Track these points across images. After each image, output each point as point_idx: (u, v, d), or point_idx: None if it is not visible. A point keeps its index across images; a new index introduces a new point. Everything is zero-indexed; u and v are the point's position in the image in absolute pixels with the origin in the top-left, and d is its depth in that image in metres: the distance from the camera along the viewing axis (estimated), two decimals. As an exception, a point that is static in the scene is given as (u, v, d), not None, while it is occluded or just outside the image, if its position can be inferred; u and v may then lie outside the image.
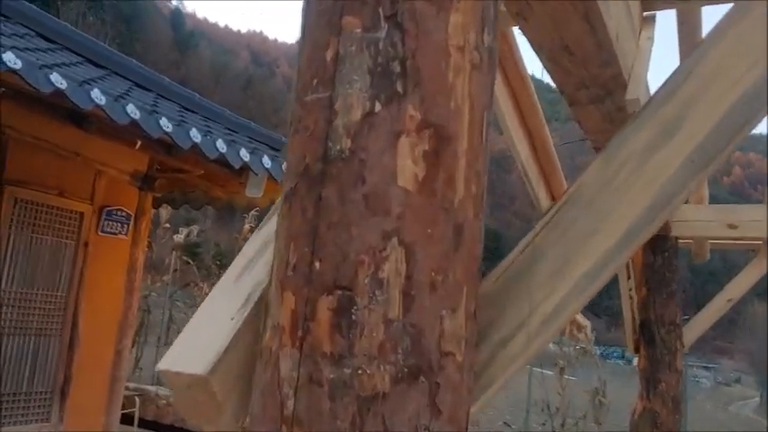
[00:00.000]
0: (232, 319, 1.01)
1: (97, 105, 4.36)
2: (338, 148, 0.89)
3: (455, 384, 0.90)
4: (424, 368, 0.87)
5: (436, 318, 0.89)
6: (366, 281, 0.86)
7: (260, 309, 1.01)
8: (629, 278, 5.10)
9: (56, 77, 4.15)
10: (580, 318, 8.55)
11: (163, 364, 0.96)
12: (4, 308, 5.46)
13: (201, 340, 0.99)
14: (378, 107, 0.89)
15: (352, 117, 0.89)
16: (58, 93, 4.16)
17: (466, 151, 0.93)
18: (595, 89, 2.56)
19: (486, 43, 1.00)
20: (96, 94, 4.39)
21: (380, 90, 0.89)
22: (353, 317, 0.85)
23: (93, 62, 6.17)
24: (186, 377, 0.96)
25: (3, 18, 5.86)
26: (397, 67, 0.90)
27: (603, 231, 1.03)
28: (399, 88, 0.90)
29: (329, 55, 0.93)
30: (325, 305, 0.86)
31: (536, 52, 2.47)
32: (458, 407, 0.91)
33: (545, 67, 2.57)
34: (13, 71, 3.90)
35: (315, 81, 0.94)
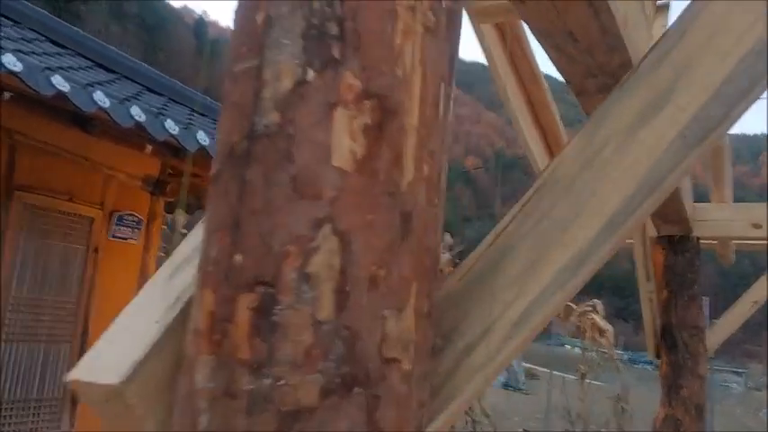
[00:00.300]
0: (157, 322, 0.89)
1: (100, 108, 4.29)
2: (265, 123, 0.77)
3: (400, 397, 0.77)
4: (361, 378, 0.74)
5: (376, 319, 0.76)
6: (292, 276, 0.74)
7: (189, 311, 0.89)
8: (648, 280, 4.91)
9: (58, 80, 4.09)
10: (602, 322, 8.33)
11: (74, 374, 0.84)
12: (15, 314, 5.42)
13: (120, 347, 0.88)
14: (311, 75, 0.77)
15: (281, 87, 0.77)
16: (60, 95, 4.10)
17: (416, 127, 0.81)
18: (603, 78, 2.41)
19: (445, 4, 0.87)
20: (99, 96, 4.33)
21: (314, 56, 0.77)
22: (275, 317, 0.73)
23: (103, 66, 6.13)
24: (98, 388, 0.84)
25: (12, 23, 5.85)
26: (333, 29, 0.78)
27: (582, 220, 0.89)
28: (336, 53, 0.77)
29: (259, 18, 0.81)
30: (244, 304, 0.74)
31: (538, 39, 2.33)
32: (404, 423, 0.78)
33: (549, 56, 2.43)
34: (13, 73, 3.84)
35: (244, 49, 0.82)
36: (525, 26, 3.27)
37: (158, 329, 0.89)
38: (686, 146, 0.85)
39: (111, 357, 0.87)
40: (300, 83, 0.77)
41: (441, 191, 0.87)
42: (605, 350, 8.46)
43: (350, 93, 0.77)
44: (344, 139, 0.76)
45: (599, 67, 2.42)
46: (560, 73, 2.56)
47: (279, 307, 0.73)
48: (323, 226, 0.74)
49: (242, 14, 0.85)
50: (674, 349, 4.69)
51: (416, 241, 0.80)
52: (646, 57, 0.92)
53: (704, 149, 0.87)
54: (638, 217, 0.89)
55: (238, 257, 0.76)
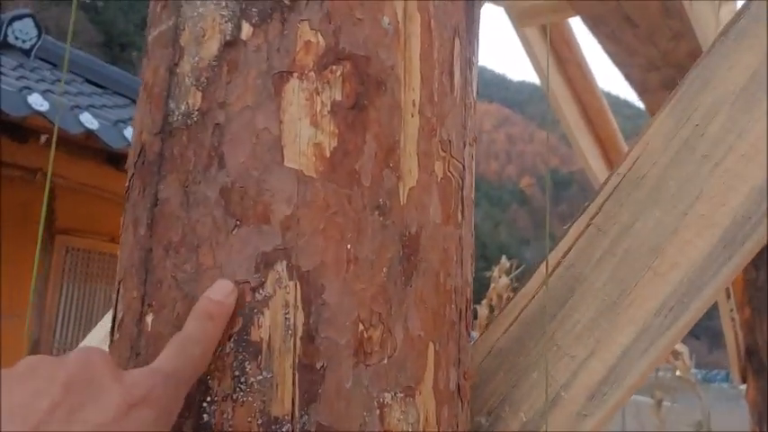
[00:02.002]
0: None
1: (130, 144, 4.14)
2: (183, 109, 0.50)
3: None
4: (347, 508, 0.46)
5: (370, 408, 0.47)
6: (228, 347, 0.46)
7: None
8: (729, 297, 4.47)
9: (86, 117, 3.96)
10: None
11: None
12: (60, 361, 5.29)
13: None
14: (246, 31, 0.50)
15: (204, 54, 0.50)
16: (89, 133, 3.96)
17: (419, 104, 0.52)
18: (668, 70, 2.09)
19: (458, -70, 0.59)
20: (131, 132, 4.17)
21: (251, 2, 0.50)
22: (205, 416, 0.45)
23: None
24: None
25: (51, 66, 5.83)
26: (279, -39, 0.50)
27: (685, 234, 0.59)
28: (285, -4, 0.50)
29: (177, -41, 0.54)
30: (157, 396, 0.47)
31: (591, 30, 2.03)
32: None
33: (604, 49, 2.13)
34: (40, 113, 3.71)
35: (159, 7, 0.55)
36: (574, 29, 2.97)
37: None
38: None
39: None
40: (231, 45, 0.49)
41: (467, 201, 0.58)
42: (681, 373, 7.88)
43: (309, 55, 0.49)
44: (303, 127, 0.48)
45: (663, 57, 2.10)
46: (618, 68, 2.25)
47: (209, 399, 0.45)
48: (274, 264, 0.46)
49: (161, -38, 0.58)
50: (762, 373, 4.23)
51: (430, 281, 0.52)
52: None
53: None
54: (771, 224, 0.58)
55: (149, 320, 0.49)
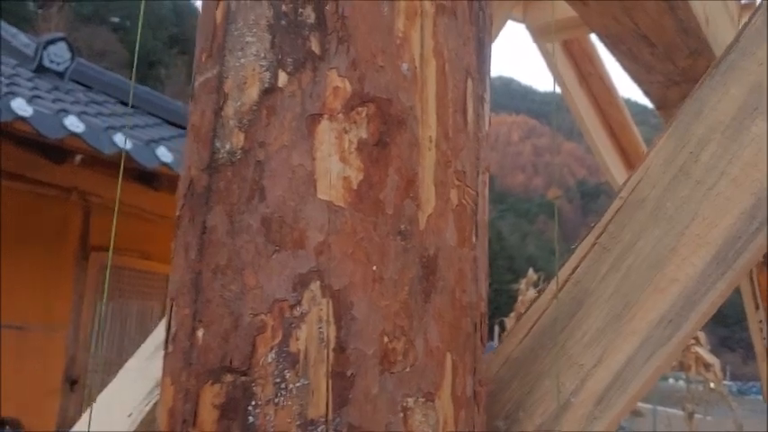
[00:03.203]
0: (130, 415, 0.69)
1: (162, 163, 4.25)
2: (227, 148, 0.57)
3: None
4: (375, 500, 0.52)
5: (395, 412, 0.53)
6: (269, 357, 0.52)
7: (164, 400, 0.69)
8: (757, 309, 4.45)
9: (120, 138, 4.08)
10: (707, 355, 7.71)
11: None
12: (93, 374, 5.42)
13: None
14: (282, 79, 0.56)
15: (245, 99, 0.57)
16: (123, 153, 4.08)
17: (435, 140, 0.59)
18: (689, 86, 2.13)
19: (469, -21, 0.66)
20: (162, 152, 4.29)
21: (286, 53, 0.57)
22: (250, 418, 0.52)
23: (173, 123, 6.19)
24: None
25: (84, 88, 5.99)
26: (310, 16, 0.57)
27: (682, 253, 0.65)
28: (315, 47, 0.57)
29: (219, 14, 0.62)
30: (208, 399, 0.53)
31: (609, 48, 2.08)
32: None
33: (623, 66, 2.17)
34: (76, 135, 3.84)
35: (204, 56, 0.63)
36: (596, 43, 3.01)
37: (130, 424, 0.70)
38: (826, 138, 0.60)
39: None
40: (269, 91, 0.56)
41: (481, 224, 0.64)
42: (713, 385, 7.80)
43: (337, 99, 0.56)
44: (333, 163, 0.55)
45: (682, 74, 2.14)
46: (637, 84, 2.29)
47: (254, 403, 0.52)
48: (309, 284, 0.53)
49: (203, 13, 0.66)
50: (794, 383, 4.21)
51: (447, 297, 0.58)
52: (748, 25, 0.67)
53: None
54: (761, 242, 0.64)
55: (200, 334, 0.55)
